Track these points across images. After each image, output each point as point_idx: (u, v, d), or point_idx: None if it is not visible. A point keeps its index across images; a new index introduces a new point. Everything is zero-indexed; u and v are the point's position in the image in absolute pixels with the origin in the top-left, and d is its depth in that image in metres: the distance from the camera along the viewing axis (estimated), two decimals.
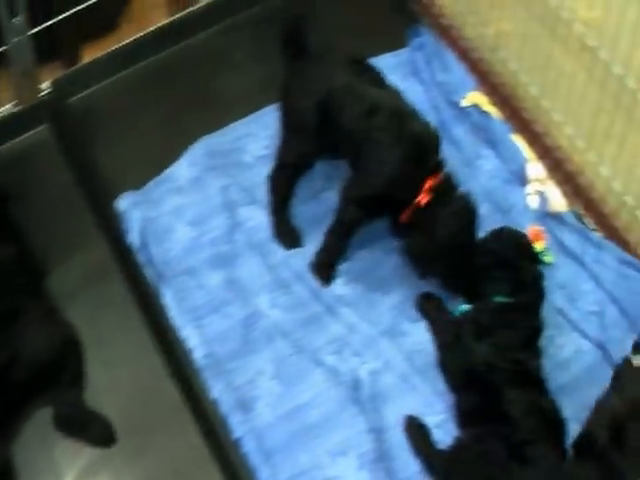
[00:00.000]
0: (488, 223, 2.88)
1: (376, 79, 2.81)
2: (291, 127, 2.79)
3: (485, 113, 3.13)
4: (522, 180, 3.05)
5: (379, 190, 2.64)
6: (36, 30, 2.99)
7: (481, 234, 2.74)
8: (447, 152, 2.92)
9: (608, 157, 2.93)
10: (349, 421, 2.60)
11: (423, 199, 2.60)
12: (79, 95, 3.19)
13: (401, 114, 2.69)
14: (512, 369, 2.51)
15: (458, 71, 3.23)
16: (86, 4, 3.03)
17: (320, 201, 2.94)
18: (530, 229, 2.88)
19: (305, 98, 2.75)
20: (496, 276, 2.64)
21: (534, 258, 2.71)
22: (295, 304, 2.77)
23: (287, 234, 2.83)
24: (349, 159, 2.74)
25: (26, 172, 3.00)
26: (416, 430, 2.53)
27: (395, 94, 2.80)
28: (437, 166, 2.69)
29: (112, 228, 2.87)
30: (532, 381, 2.51)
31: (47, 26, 3.03)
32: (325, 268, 2.77)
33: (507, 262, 2.64)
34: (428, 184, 2.62)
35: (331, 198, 2.88)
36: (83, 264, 2.82)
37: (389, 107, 2.70)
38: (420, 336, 2.76)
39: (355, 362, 2.69)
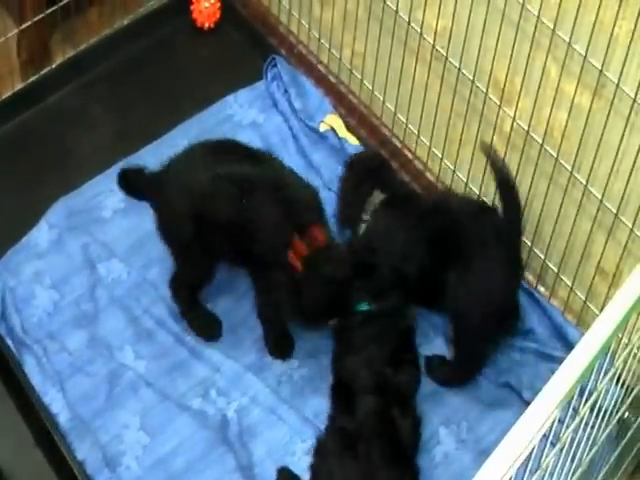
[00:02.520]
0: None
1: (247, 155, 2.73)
2: (175, 250, 2.74)
3: (341, 139, 3.11)
4: None
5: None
6: None
7: None
8: (307, 177, 2.90)
9: (465, 162, 2.93)
10: (218, 461, 2.60)
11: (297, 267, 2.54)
12: None
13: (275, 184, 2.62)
14: (373, 383, 2.47)
15: (315, 96, 3.24)
16: None
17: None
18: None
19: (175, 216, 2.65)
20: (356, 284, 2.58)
21: None
22: (159, 353, 2.76)
23: (204, 325, 2.81)
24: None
25: None
26: None
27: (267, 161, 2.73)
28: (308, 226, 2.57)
29: None
30: (392, 393, 2.47)
31: None
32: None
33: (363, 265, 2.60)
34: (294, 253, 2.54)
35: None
36: None
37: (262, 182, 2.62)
38: (285, 366, 2.71)
39: (221, 402, 2.68)
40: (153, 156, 3.10)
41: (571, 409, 1.71)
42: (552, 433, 1.67)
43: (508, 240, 2.60)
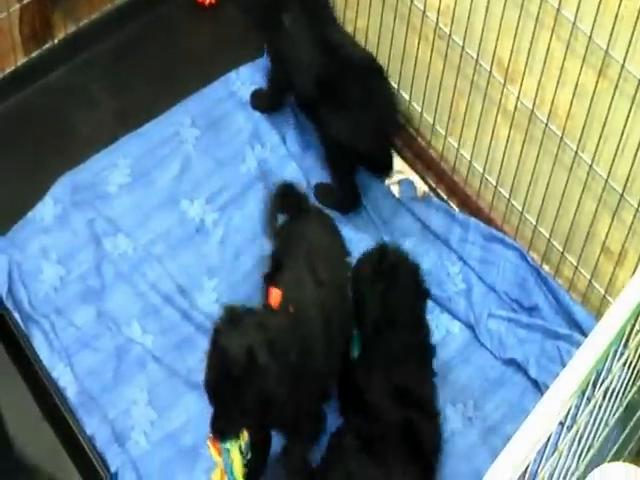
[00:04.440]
0: (355, 219, 2.95)
1: None
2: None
3: None
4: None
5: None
6: None
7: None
8: (308, 155, 2.94)
9: (468, 140, 2.95)
10: None
11: None
12: None
13: None
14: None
15: None
16: None
17: None
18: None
19: None
20: None
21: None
22: (166, 328, 2.77)
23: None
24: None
25: None
26: None
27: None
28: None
29: None
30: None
31: None
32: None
33: None
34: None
35: None
36: None
37: None
38: None
39: None
40: (157, 132, 3.10)
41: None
42: (569, 418, 1.68)
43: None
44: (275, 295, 2.41)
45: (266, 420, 2.35)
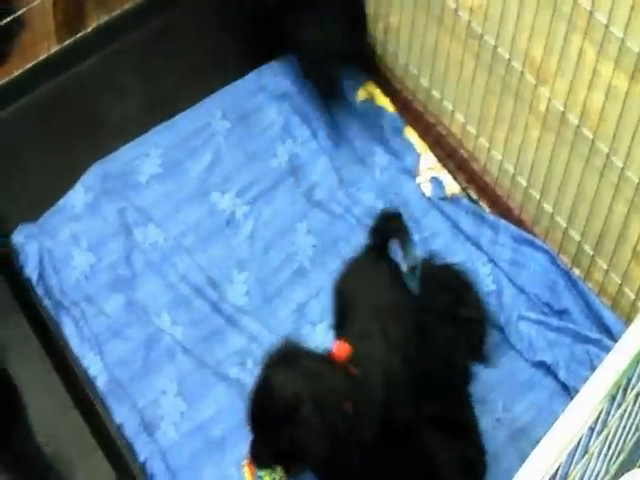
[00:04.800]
0: None
1: None
2: None
3: (378, 107, 3.13)
4: (415, 173, 3.04)
5: None
6: None
7: None
8: (340, 150, 2.92)
9: (499, 140, 2.95)
10: None
11: None
12: None
13: None
14: None
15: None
16: None
17: None
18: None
19: None
20: None
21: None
22: (196, 319, 2.77)
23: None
24: None
25: None
26: None
27: None
28: None
29: (9, 264, 2.84)
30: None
31: None
32: None
33: None
34: None
35: None
36: None
37: None
38: (322, 338, 2.73)
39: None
40: (188, 123, 3.11)
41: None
42: (599, 422, 1.69)
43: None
44: (341, 349, 2.30)
45: (301, 462, 2.27)
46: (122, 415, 2.63)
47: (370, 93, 3.22)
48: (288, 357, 2.19)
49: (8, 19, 3.09)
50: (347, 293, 2.52)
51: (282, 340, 2.24)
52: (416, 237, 2.87)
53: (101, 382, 2.67)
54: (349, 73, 3.26)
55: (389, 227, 2.56)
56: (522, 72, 2.76)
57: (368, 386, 2.26)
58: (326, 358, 2.26)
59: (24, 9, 3.19)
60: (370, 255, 2.55)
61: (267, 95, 3.22)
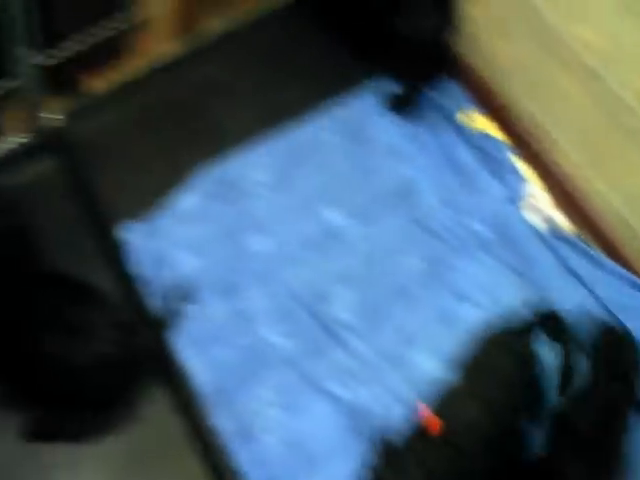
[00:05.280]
0: (493, 247, 2.89)
1: None
2: None
3: (488, 135, 3.12)
4: (523, 202, 3.02)
5: None
6: (45, 63, 3.05)
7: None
8: (448, 174, 2.91)
9: (607, 175, 2.92)
10: (353, 450, 2.58)
11: None
12: (84, 126, 3.19)
13: None
14: None
15: (454, 90, 3.23)
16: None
17: None
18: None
19: None
20: None
21: None
22: (300, 332, 2.78)
23: None
24: None
25: (32, 202, 3.00)
26: None
27: None
28: None
29: (117, 259, 2.85)
30: None
31: (55, 58, 3.07)
32: None
33: None
34: None
35: None
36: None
37: None
38: (426, 363, 2.73)
39: (360, 391, 2.67)
40: (301, 134, 3.18)
41: None
42: None
43: None
44: (432, 423, 2.40)
45: None
46: (222, 421, 2.63)
47: (479, 122, 3.20)
48: (389, 457, 2.32)
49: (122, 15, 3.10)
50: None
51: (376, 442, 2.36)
52: (523, 270, 2.83)
53: (203, 385, 2.67)
54: (456, 98, 3.23)
55: (549, 326, 2.56)
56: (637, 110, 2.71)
57: (467, 454, 2.35)
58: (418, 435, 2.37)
59: (143, 9, 3.20)
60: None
61: (379, 113, 3.21)
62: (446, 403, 2.46)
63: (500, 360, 2.49)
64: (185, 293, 2.74)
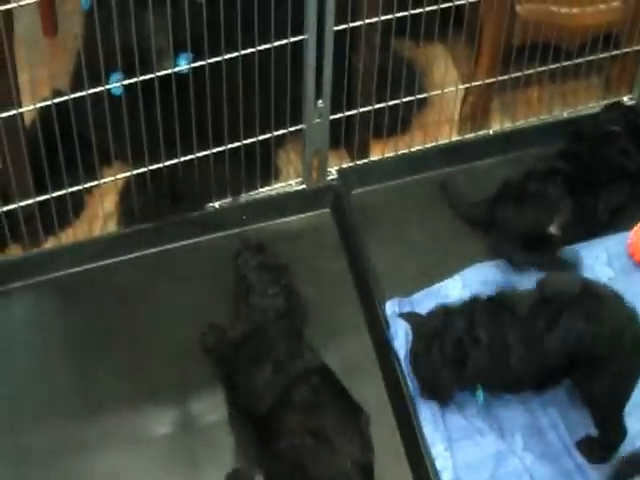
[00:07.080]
0: None
1: None
2: None
3: None
4: None
5: None
6: (337, 117, 3.15)
7: None
8: None
9: None
10: None
11: None
12: (362, 189, 3.24)
13: None
14: None
15: None
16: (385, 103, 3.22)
17: None
18: None
19: None
20: None
21: None
22: (547, 453, 2.71)
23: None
24: None
25: (301, 249, 3.05)
26: None
27: None
28: None
29: (376, 325, 2.85)
30: None
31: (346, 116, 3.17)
32: None
33: None
34: None
35: None
36: (342, 352, 2.87)
37: None
38: None
39: None
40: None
41: None
42: None
43: None
44: None
45: None
46: None
47: None
48: None
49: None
50: None
51: None
52: None
53: (446, 478, 2.61)
54: None
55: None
56: None
57: None
58: None
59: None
60: None
61: None
62: None
63: None
64: None
